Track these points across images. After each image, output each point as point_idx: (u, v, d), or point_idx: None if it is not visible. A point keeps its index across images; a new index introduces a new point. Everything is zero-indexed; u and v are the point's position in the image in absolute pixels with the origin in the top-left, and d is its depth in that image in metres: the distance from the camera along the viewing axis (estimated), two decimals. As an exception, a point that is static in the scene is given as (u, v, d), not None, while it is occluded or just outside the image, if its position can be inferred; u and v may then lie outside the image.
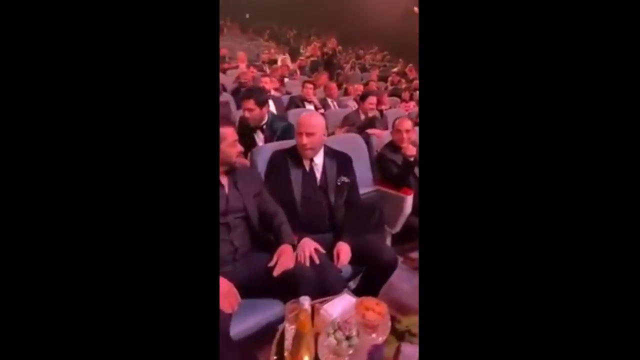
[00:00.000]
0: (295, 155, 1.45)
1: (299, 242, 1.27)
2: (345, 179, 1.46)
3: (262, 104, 1.83)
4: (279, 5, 9.15)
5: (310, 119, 1.45)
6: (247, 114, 1.81)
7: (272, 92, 3.70)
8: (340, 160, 1.50)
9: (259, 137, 1.87)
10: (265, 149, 1.54)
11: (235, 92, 3.51)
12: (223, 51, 5.56)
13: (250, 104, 1.80)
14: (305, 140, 1.38)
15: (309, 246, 1.25)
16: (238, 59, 5.28)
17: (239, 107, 3.06)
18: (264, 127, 1.86)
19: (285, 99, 3.29)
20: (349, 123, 2.50)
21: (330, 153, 1.52)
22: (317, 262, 1.21)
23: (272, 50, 6.63)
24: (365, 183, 1.99)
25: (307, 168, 1.45)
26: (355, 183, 1.52)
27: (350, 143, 1.99)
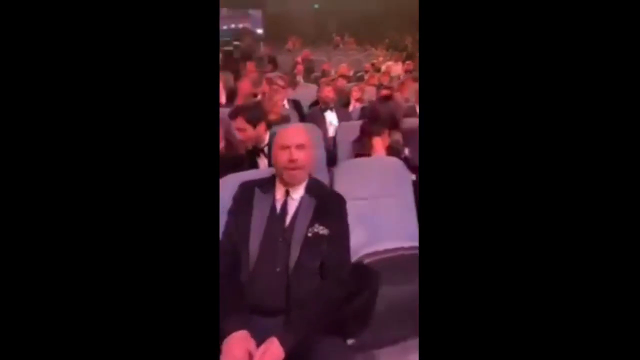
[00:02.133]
0: (266, 187, 1.00)
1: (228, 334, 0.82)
2: (321, 229, 0.92)
3: (256, 122, 1.47)
4: (395, 13, 8.64)
5: (296, 131, 1.02)
6: (239, 135, 1.48)
7: (353, 103, 3.30)
8: (323, 200, 0.97)
9: (263, 162, 1.51)
10: (233, 179, 1.16)
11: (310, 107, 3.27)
12: (326, 66, 5.50)
13: (240, 122, 1.45)
14: (295, 154, 0.94)
15: (235, 350, 0.78)
16: (339, 71, 5.09)
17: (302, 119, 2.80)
18: (265, 149, 1.49)
19: (357, 110, 2.81)
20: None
21: (313, 188, 1.01)
22: None
23: (381, 59, 6.18)
24: (408, 234, 1.33)
25: (279, 207, 0.98)
26: (343, 238, 0.95)
27: (382, 170, 1.38)
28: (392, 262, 1.19)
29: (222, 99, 3.75)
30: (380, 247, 1.23)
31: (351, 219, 1.31)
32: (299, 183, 0.99)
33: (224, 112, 1.80)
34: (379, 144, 1.62)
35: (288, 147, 0.96)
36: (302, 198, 0.98)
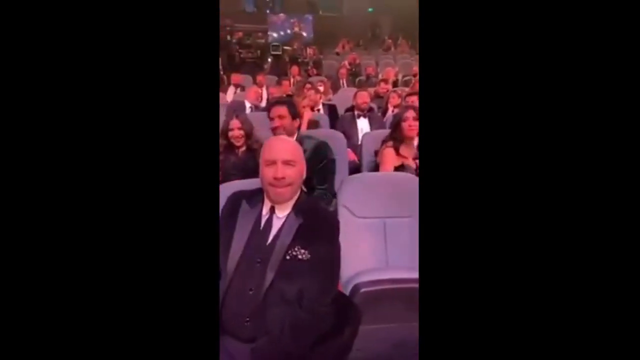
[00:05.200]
0: (254, 201, 0.93)
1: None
2: (301, 253, 0.83)
3: (295, 115, 1.52)
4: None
5: (284, 144, 0.92)
6: (276, 123, 1.49)
7: (391, 109, 3.13)
8: (311, 220, 0.88)
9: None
10: (230, 187, 1.11)
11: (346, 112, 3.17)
12: (370, 69, 5.33)
13: (282, 110, 1.49)
14: (281, 171, 0.86)
15: None
16: (383, 75, 4.90)
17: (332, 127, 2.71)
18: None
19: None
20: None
21: (304, 206, 0.92)
22: None
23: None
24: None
25: (262, 223, 0.90)
26: (328, 265, 0.85)
27: (395, 187, 1.23)
28: (395, 295, 1.04)
29: (263, 101, 3.84)
30: (383, 275, 1.09)
31: (356, 240, 1.19)
32: (286, 201, 0.90)
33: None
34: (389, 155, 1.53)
35: (274, 162, 0.87)
36: (288, 216, 0.89)
